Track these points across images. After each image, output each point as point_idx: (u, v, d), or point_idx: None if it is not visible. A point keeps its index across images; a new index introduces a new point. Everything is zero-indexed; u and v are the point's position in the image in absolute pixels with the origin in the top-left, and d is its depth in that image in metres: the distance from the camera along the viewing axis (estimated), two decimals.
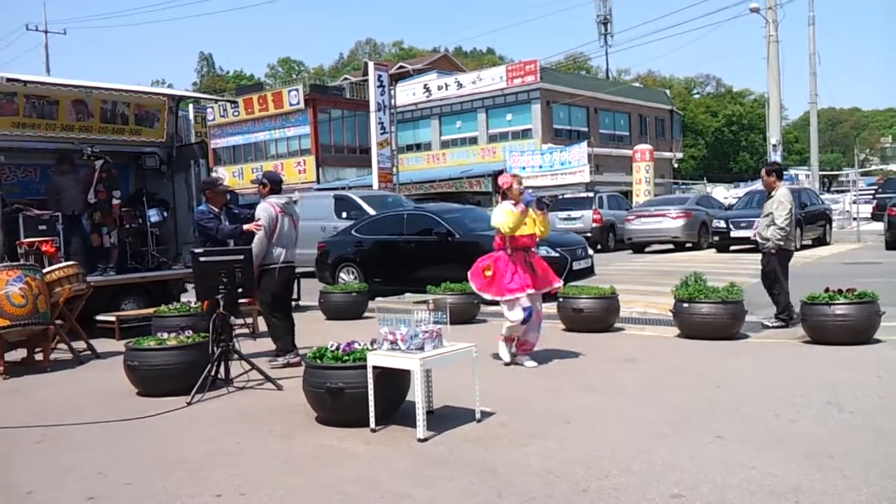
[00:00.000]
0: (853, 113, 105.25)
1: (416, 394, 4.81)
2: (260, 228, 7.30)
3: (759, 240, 8.76)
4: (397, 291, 6.12)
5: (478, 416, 5.17)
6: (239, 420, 5.52)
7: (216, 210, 7.63)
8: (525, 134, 36.60)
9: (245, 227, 7.49)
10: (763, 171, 8.96)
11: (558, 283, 7.22)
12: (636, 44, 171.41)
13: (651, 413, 5.22)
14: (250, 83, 67.77)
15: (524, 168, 32.19)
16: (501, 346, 7.14)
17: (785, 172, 26.99)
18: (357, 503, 3.82)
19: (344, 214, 16.84)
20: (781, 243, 8.37)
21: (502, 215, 6.87)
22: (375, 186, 33.50)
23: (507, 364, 7.02)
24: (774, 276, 8.48)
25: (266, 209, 7.40)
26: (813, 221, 20.02)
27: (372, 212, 15.66)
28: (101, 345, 8.66)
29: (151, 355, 6.35)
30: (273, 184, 7.64)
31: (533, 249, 7.17)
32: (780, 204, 8.35)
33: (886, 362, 6.47)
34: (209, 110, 44.81)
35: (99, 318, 9.70)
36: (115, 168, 10.48)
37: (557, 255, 11.29)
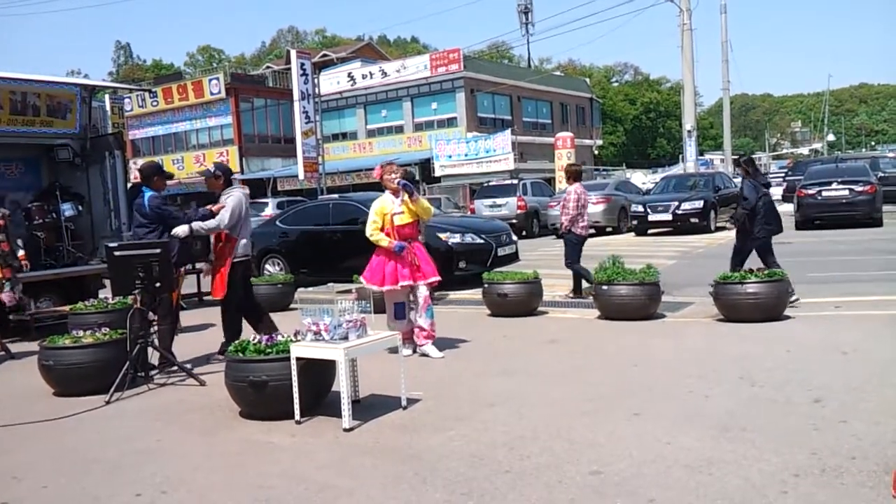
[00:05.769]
0: (765, 99, 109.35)
1: (341, 384, 4.81)
2: (222, 209, 6.86)
3: None
4: (324, 282, 6.10)
5: (404, 403, 5.21)
6: (160, 418, 5.41)
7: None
8: (450, 122, 36.75)
9: (213, 207, 6.96)
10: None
11: (436, 278, 6.89)
12: (557, 33, 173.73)
13: (572, 393, 5.34)
14: (170, 72, 65.89)
15: (450, 156, 32.45)
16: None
17: (700, 157, 27.89)
18: (281, 496, 3.80)
19: None
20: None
21: (370, 219, 6.77)
22: (301, 177, 33.08)
23: (439, 356, 6.75)
24: None
25: (239, 197, 6.94)
26: (726, 204, 20.67)
27: None
28: (16, 345, 8.37)
29: (67, 354, 6.15)
30: (227, 174, 7.15)
31: (418, 240, 6.94)
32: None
33: (795, 337, 6.75)
34: (127, 100, 43.41)
35: (13, 316, 9.33)
36: (23, 161, 10.07)
37: (483, 241, 11.48)
